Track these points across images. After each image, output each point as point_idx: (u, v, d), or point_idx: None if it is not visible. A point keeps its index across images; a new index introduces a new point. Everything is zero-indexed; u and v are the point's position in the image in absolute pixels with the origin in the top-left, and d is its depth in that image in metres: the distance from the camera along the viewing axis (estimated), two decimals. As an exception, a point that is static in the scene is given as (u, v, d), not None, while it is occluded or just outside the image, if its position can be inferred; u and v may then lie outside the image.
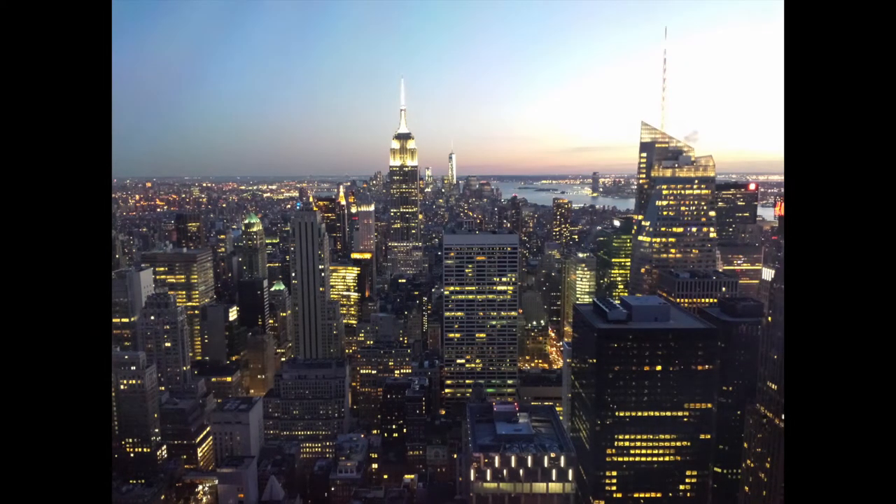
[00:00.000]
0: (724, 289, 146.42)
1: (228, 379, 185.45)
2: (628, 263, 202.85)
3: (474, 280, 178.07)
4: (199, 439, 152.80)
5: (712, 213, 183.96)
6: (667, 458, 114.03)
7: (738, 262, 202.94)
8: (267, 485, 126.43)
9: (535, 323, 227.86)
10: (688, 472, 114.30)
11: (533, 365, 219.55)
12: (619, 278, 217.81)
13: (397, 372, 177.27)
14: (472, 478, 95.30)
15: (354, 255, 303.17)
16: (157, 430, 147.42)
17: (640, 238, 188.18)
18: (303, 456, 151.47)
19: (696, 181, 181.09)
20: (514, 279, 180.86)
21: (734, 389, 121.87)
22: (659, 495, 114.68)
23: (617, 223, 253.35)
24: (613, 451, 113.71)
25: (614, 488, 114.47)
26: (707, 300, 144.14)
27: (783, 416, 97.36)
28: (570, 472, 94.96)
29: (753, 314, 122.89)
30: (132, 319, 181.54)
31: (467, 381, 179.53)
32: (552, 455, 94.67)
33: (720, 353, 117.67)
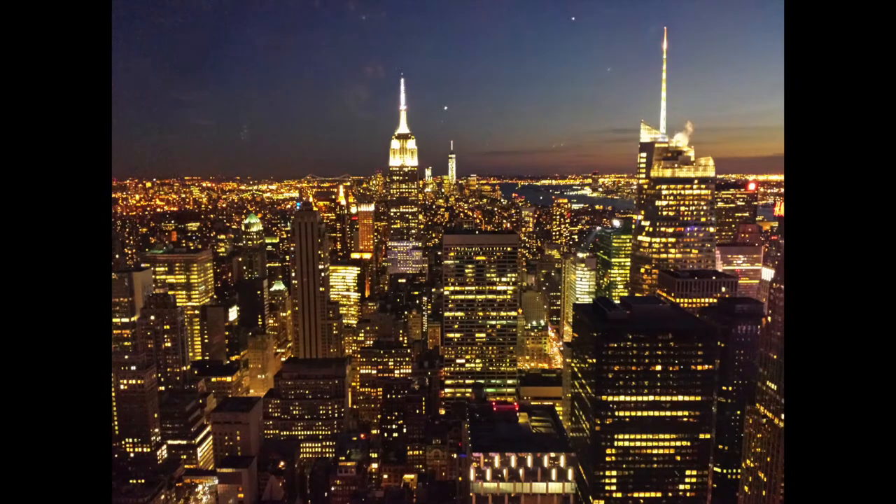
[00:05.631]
0: (724, 289, 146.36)
1: (228, 379, 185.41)
2: (628, 263, 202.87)
3: (474, 280, 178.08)
4: (199, 439, 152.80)
5: (713, 214, 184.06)
6: (666, 458, 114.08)
7: (738, 262, 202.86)
8: (267, 485, 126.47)
9: (535, 323, 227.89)
10: (688, 472, 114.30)
11: (533, 365, 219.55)
12: (619, 278, 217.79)
13: (397, 372, 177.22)
14: (471, 478, 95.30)
15: (354, 255, 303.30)
16: (157, 430, 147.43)
17: (639, 238, 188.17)
18: (303, 456, 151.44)
19: (696, 181, 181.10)
20: (514, 279, 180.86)
21: (734, 389, 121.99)
22: (659, 495, 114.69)
23: (617, 223, 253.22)
24: (613, 451, 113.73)
25: (614, 488, 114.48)
26: (707, 300, 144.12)
27: (783, 416, 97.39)
28: (570, 472, 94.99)
29: (753, 314, 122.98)
30: (132, 319, 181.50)
31: (467, 381, 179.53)
32: (552, 455, 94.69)
33: (720, 353, 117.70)
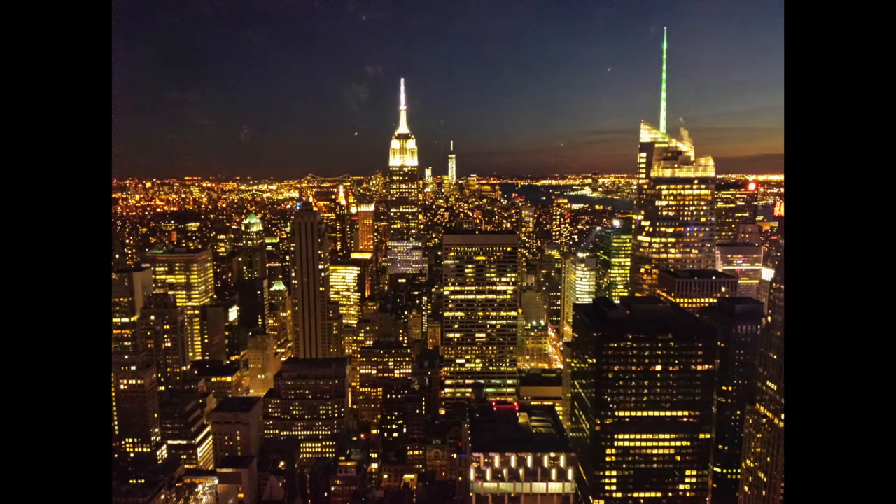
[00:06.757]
0: (724, 289, 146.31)
1: (228, 379, 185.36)
2: (628, 263, 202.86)
3: (474, 280, 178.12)
4: (199, 439, 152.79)
5: (713, 214, 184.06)
6: (666, 458, 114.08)
7: (738, 262, 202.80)
8: (267, 485, 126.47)
9: (535, 323, 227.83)
10: (688, 472, 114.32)
11: (533, 365, 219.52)
12: (619, 278, 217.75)
13: (397, 372, 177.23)
14: (471, 478, 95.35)
15: (354, 255, 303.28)
16: (157, 430, 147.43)
17: (639, 238, 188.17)
18: (303, 456, 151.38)
19: (696, 181, 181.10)
20: (514, 279, 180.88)
21: (734, 389, 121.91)
22: (659, 495, 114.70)
23: (617, 223, 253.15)
24: (613, 451, 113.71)
25: (614, 488, 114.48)
26: (707, 300, 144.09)
27: (783, 416, 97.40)
28: (570, 472, 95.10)
29: (753, 314, 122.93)
30: (132, 319, 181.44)
31: (467, 381, 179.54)
32: (552, 455, 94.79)
33: (720, 353, 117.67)
